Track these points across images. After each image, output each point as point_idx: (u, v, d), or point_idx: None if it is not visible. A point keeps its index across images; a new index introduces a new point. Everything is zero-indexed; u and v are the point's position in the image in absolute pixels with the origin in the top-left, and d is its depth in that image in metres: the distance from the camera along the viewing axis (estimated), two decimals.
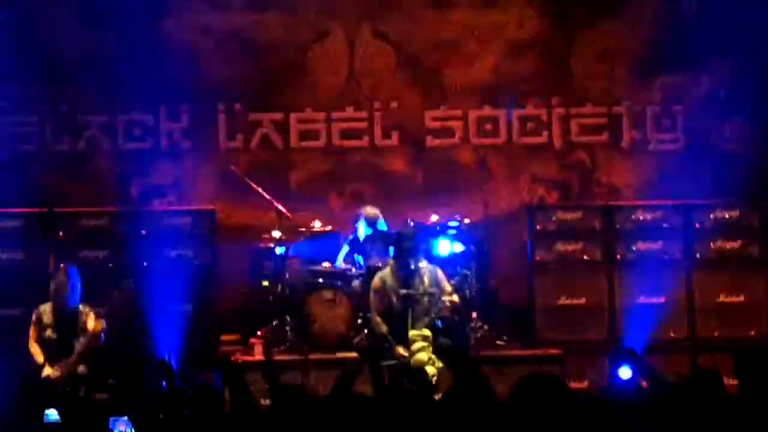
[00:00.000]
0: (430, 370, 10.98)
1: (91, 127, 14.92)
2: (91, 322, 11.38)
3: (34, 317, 11.60)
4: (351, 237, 13.53)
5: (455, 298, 12.03)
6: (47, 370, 11.29)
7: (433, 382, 10.86)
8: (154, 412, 7.74)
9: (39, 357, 11.43)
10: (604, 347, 12.63)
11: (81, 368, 11.30)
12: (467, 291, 12.90)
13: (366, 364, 9.19)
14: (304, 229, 13.77)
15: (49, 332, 11.49)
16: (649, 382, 7.67)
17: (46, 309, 11.57)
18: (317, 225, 13.91)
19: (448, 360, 10.98)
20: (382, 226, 13.39)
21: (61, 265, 12.02)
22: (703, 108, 15.04)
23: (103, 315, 11.65)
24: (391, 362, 11.46)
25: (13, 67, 14.63)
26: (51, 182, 14.62)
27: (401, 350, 11.49)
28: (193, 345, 12.87)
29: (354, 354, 12.24)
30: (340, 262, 13.44)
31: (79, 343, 11.30)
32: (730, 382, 8.30)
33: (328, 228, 13.86)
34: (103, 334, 11.38)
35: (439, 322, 10.97)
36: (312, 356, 12.40)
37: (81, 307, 11.54)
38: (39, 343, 11.48)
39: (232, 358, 12.36)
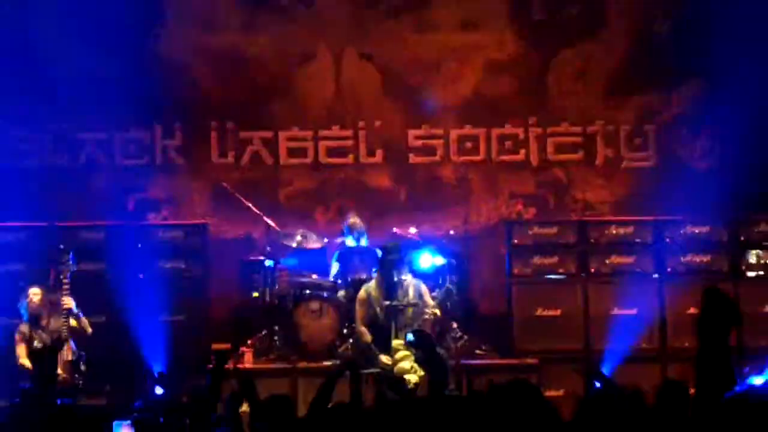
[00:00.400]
0: (412, 378, 11.06)
1: (89, 144, 14.96)
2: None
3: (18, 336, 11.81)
4: (338, 252, 13.52)
5: (437, 311, 12.08)
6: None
7: (416, 390, 11.00)
8: (155, 418, 7.87)
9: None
10: (579, 357, 12.76)
11: (83, 367, 11.51)
12: (448, 303, 12.77)
13: (347, 372, 9.22)
14: (292, 243, 13.65)
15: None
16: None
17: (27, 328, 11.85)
18: (302, 238, 13.73)
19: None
20: (365, 240, 13.42)
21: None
22: (674, 127, 15.12)
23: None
24: (375, 370, 11.49)
25: (15, 85, 14.60)
26: (51, 197, 14.48)
27: (384, 359, 11.56)
28: (185, 353, 12.81)
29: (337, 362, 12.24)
30: (333, 273, 13.41)
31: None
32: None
33: (315, 242, 13.73)
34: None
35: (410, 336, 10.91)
36: (299, 364, 12.45)
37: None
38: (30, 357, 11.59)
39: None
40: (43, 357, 11.02)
